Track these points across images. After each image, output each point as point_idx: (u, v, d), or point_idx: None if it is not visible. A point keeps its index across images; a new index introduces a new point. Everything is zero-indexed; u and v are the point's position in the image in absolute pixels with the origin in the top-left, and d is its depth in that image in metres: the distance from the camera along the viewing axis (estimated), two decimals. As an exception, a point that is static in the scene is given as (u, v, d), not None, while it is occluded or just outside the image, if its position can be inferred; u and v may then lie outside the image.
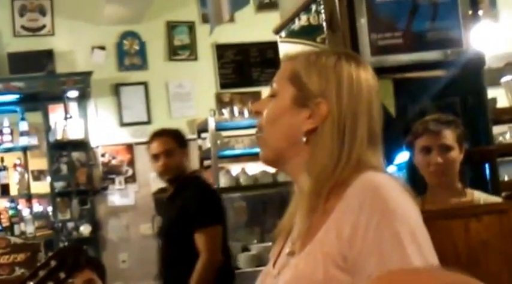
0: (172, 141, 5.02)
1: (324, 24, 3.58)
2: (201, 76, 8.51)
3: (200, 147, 7.96)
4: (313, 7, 3.67)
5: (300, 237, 1.79)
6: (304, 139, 1.82)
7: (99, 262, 4.77)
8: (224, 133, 7.63)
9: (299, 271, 1.75)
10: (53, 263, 2.38)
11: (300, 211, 1.84)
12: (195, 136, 8.14)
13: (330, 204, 1.75)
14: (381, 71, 3.58)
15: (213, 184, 7.46)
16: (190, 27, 8.53)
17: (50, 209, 8.04)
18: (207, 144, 7.61)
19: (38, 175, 8.33)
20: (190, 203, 4.86)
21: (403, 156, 4.00)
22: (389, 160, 4.09)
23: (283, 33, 4.08)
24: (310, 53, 1.92)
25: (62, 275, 2.38)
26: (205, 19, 8.58)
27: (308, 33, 3.77)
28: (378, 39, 3.52)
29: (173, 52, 8.53)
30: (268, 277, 1.91)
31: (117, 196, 8.27)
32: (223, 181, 7.42)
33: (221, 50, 8.59)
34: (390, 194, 1.70)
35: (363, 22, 3.51)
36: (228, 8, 4.29)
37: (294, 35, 3.95)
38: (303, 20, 3.83)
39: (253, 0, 8.49)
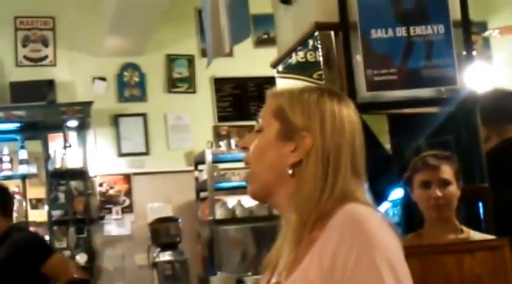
0: None
1: (321, 59, 3.65)
2: (199, 109, 8.59)
3: (197, 179, 8.04)
4: (310, 42, 3.74)
5: (286, 268, 1.81)
6: (290, 171, 1.85)
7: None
8: (221, 166, 7.71)
9: None
10: None
11: (286, 243, 1.85)
12: (192, 168, 8.22)
13: (314, 235, 1.77)
14: (376, 107, 3.70)
15: (209, 215, 7.54)
16: (190, 60, 8.64)
17: (47, 237, 8.07)
18: (204, 176, 7.69)
19: (36, 204, 8.37)
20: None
21: (397, 193, 4.04)
22: (384, 196, 4.14)
23: (280, 68, 4.16)
24: (294, 90, 1.96)
25: None
26: (204, 53, 8.65)
27: (304, 68, 3.83)
28: (374, 75, 3.58)
29: (172, 84, 8.64)
30: None
31: (113, 226, 8.31)
32: (219, 213, 7.48)
33: (219, 84, 8.69)
34: (370, 226, 1.73)
35: (358, 58, 3.59)
36: (229, 41, 4.36)
37: (290, 69, 4.02)
38: (299, 55, 3.90)
39: (252, 35, 8.60)
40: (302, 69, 3.88)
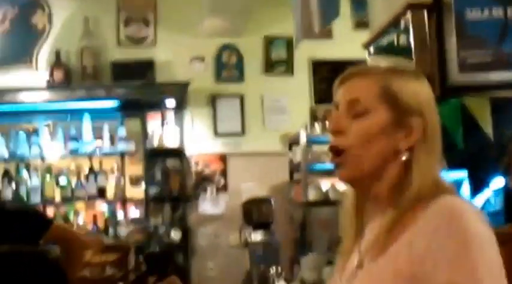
0: None
1: (412, 40, 3.61)
2: (296, 91, 8.59)
3: (291, 160, 8.05)
4: (402, 23, 3.71)
5: (372, 250, 1.79)
6: (404, 157, 1.80)
7: (185, 271, 4.81)
8: (315, 148, 7.69)
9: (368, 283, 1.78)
10: (143, 267, 2.45)
11: (379, 225, 1.81)
12: (287, 149, 8.25)
13: (406, 221, 1.74)
14: (467, 89, 3.63)
15: (301, 197, 7.54)
16: (288, 42, 8.63)
17: (143, 214, 8.24)
18: (298, 158, 7.69)
19: (134, 181, 8.54)
20: None
21: (499, 181, 3.95)
22: (484, 184, 4.07)
23: (371, 49, 4.13)
24: (388, 69, 1.88)
25: (151, 280, 2.45)
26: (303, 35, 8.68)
27: (396, 49, 3.80)
28: (467, 56, 3.52)
29: (270, 66, 8.66)
30: None
31: (208, 205, 8.41)
32: (312, 195, 7.48)
33: (317, 66, 8.66)
34: (467, 221, 1.68)
35: (452, 39, 3.53)
36: (319, 22, 4.35)
37: (382, 51, 4.00)
38: (391, 36, 3.87)
39: (351, 17, 8.56)
40: (393, 50, 3.85)
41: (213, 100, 8.52)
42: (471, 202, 1.87)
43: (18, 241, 4.44)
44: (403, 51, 3.68)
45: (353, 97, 1.85)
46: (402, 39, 3.72)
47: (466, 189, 4.01)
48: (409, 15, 3.64)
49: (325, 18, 4.34)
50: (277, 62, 8.67)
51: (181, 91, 8.13)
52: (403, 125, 1.81)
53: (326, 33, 8.66)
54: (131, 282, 2.45)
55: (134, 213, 8.29)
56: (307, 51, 8.55)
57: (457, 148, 3.44)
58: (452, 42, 3.53)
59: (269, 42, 8.65)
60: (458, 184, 3.94)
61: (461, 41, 3.50)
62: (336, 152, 1.85)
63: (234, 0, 7.61)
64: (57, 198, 7.92)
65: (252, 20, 8.25)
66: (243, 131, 8.55)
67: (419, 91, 1.84)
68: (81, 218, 7.99)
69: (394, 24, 3.81)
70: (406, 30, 3.67)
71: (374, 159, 1.81)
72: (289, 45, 8.60)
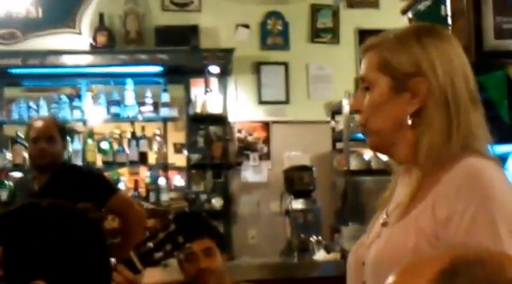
0: (55, 128, 4.78)
1: (449, 5, 3.53)
2: (342, 60, 8.48)
3: (333, 129, 7.98)
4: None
5: (397, 209, 1.85)
6: (410, 121, 1.85)
7: (218, 232, 4.81)
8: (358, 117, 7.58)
9: (391, 240, 1.82)
10: (172, 226, 2.44)
11: (405, 186, 1.87)
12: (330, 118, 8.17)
13: (430, 183, 1.76)
14: (503, 55, 3.52)
15: (344, 166, 7.47)
16: (335, 11, 8.51)
17: (185, 180, 8.25)
18: (340, 126, 7.62)
19: (177, 148, 8.55)
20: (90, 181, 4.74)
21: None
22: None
23: (409, 14, 4.04)
24: (390, 37, 1.95)
25: (181, 239, 2.43)
26: (350, 4, 8.56)
27: (433, 14, 3.71)
28: (503, 22, 3.43)
29: (315, 34, 8.54)
30: (362, 246, 1.97)
31: (250, 173, 8.37)
32: (354, 164, 7.42)
33: (363, 35, 8.51)
34: (490, 182, 1.69)
35: (488, 5, 3.43)
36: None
37: (419, 15, 3.91)
38: (429, 1, 3.78)
39: (399, -14, 8.39)
40: (430, 14, 3.76)
41: (257, 68, 8.44)
42: (498, 162, 1.81)
43: (82, 200, 4.53)
44: (439, 17, 3.60)
45: (361, 74, 1.97)
46: (439, 4, 3.63)
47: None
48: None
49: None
50: (323, 30, 8.55)
51: (225, 58, 8.07)
52: (405, 88, 1.86)
53: (372, 2, 8.53)
54: (160, 240, 2.44)
55: (176, 179, 8.29)
56: (354, 20, 8.46)
57: (503, 122, 3.35)
58: (488, 8, 3.42)
59: (315, 9, 8.52)
60: (504, 158, 3.83)
61: (497, 6, 3.39)
62: (362, 127, 1.98)
63: (280, -34, 7.51)
64: (99, 163, 7.94)
65: (298, -13, 8.14)
66: (287, 99, 8.46)
67: (417, 52, 1.86)
68: (123, 183, 7.99)
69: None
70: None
71: (386, 126, 1.90)
72: (335, 13, 8.49)
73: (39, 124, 4.75)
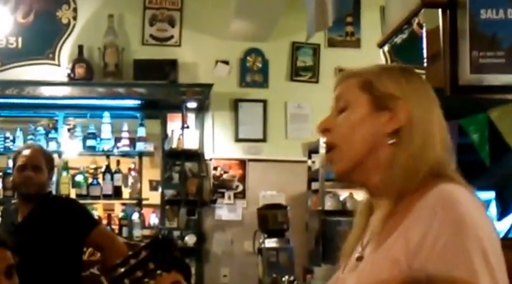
0: (42, 157, 4.65)
1: (425, 38, 3.50)
2: (321, 99, 8.36)
3: (309, 168, 7.92)
4: (416, 20, 3.59)
5: (371, 242, 1.80)
6: (391, 141, 1.79)
7: (186, 265, 4.74)
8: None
9: (365, 275, 1.76)
10: (144, 253, 2.39)
11: (377, 215, 1.83)
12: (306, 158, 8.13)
13: (403, 211, 1.72)
14: (478, 90, 3.49)
15: (318, 206, 7.41)
16: (315, 49, 8.51)
17: (158, 216, 8.17)
18: (317, 166, 7.57)
19: (152, 185, 8.48)
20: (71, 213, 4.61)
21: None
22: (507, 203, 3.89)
23: (386, 47, 4.02)
24: (375, 67, 1.92)
25: (151, 265, 2.39)
26: (330, 43, 8.58)
27: (409, 47, 3.70)
28: (480, 57, 3.39)
29: (295, 73, 8.53)
30: (337, 282, 1.93)
31: (224, 211, 8.29)
32: (329, 204, 7.37)
33: (344, 75, 8.52)
34: (465, 209, 1.63)
35: (465, 39, 3.40)
36: (332, 14, 4.24)
37: (396, 49, 3.89)
38: (405, 35, 3.76)
39: (381, 27, 8.43)
40: (407, 49, 3.75)
41: (235, 105, 8.41)
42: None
43: (65, 231, 4.45)
44: (416, 50, 3.57)
45: (337, 94, 1.92)
46: (415, 38, 3.62)
47: (493, 210, 3.87)
48: (423, 13, 3.53)
49: (338, 10, 4.23)
50: (303, 69, 8.55)
51: (203, 94, 8.03)
52: (385, 108, 1.82)
53: (354, 43, 8.56)
54: (131, 266, 2.38)
55: (151, 217, 8.21)
56: (334, 60, 8.45)
57: (485, 167, 3.32)
58: (465, 42, 3.39)
59: (296, 48, 8.52)
60: (486, 205, 3.78)
61: (474, 40, 3.36)
62: (328, 150, 1.90)
63: (261, 4, 7.48)
64: (72, 195, 7.84)
65: (279, 25, 8.11)
66: (264, 137, 8.43)
67: (401, 80, 1.85)
68: (96, 218, 7.88)
69: (408, 21, 3.69)
70: (420, 28, 3.56)
71: (359, 146, 1.83)
72: (316, 52, 8.49)
73: (27, 152, 4.63)
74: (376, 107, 1.82)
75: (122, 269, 2.38)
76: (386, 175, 1.80)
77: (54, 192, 7.42)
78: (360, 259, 1.82)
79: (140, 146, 8.04)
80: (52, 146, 7.86)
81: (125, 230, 7.88)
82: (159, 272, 2.40)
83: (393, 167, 1.77)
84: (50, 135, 7.97)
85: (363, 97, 1.84)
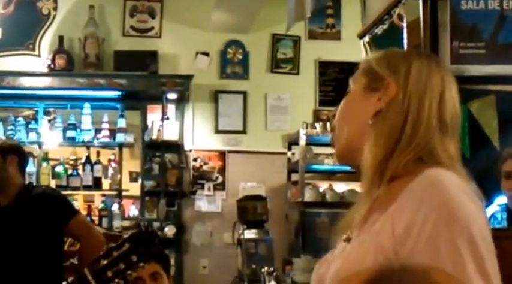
0: None
1: (405, 29, 3.52)
2: (301, 91, 8.48)
3: (289, 160, 7.94)
4: (396, 11, 3.61)
5: (357, 224, 1.76)
6: (370, 122, 1.79)
7: (165, 256, 4.73)
8: (315, 149, 7.57)
9: (350, 259, 1.73)
10: (126, 245, 2.40)
11: (359, 197, 1.81)
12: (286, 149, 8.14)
13: (390, 196, 1.69)
14: (459, 81, 3.51)
15: (298, 197, 7.43)
16: (295, 41, 8.53)
17: (138, 207, 8.17)
18: (296, 157, 7.58)
19: (132, 176, 8.47)
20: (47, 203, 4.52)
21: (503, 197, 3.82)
22: (489, 198, 3.92)
23: (366, 38, 4.04)
24: (384, 50, 1.93)
25: (134, 258, 2.40)
26: (311, 35, 8.59)
27: (389, 38, 3.72)
28: (460, 47, 3.42)
29: (275, 64, 8.54)
30: (324, 264, 1.89)
31: (204, 202, 8.30)
32: (308, 196, 7.38)
33: (324, 67, 8.54)
34: (452, 195, 1.61)
35: (445, 29, 3.43)
36: (310, 5, 4.26)
37: (376, 39, 3.91)
38: (385, 25, 3.78)
39: (361, 20, 8.45)
40: (387, 38, 3.77)
41: (215, 96, 8.42)
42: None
43: (44, 222, 4.40)
44: (396, 41, 3.60)
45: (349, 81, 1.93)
46: (395, 28, 3.64)
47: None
48: (404, 3, 3.55)
49: (316, 1, 4.26)
50: (283, 61, 8.56)
51: (183, 85, 8.02)
52: (377, 88, 1.81)
53: (334, 35, 8.58)
54: (114, 259, 2.38)
55: (131, 209, 8.21)
56: (315, 52, 8.47)
57: (464, 158, 3.33)
58: (445, 33, 3.41)
59: (276, 40, 8.54)
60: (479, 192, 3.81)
61: (454, 31, 3.39)
62: (332, 131, 1.93)
63: (242, -5, 7.50)
64: (52, 186, 7.80)
65: (259, 17, 8.11)
66: (244, 129, 8.44)
67: (400, 63, 1.83)
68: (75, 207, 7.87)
69: (389, 11, 3.71)
70: (400, 19, 3.58)
71: (349, 128, 1.84)
72: (296, 44, 8.51)
73: None
74: (368, 88, 1.83)
75: (105, 262, 2.39)
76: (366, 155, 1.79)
77: (34, 183, 7.44)
78: (347, 240, 1.80)
79: (120, 137, 8.02)
80: (32, 137, 7.87)
81: (104, 221, 7.87)
82: (141, 264, 2.42)
83: (369, 146, 1.76)
84: (30, 126, 7.95)
85: (361, 80, 1.86)
